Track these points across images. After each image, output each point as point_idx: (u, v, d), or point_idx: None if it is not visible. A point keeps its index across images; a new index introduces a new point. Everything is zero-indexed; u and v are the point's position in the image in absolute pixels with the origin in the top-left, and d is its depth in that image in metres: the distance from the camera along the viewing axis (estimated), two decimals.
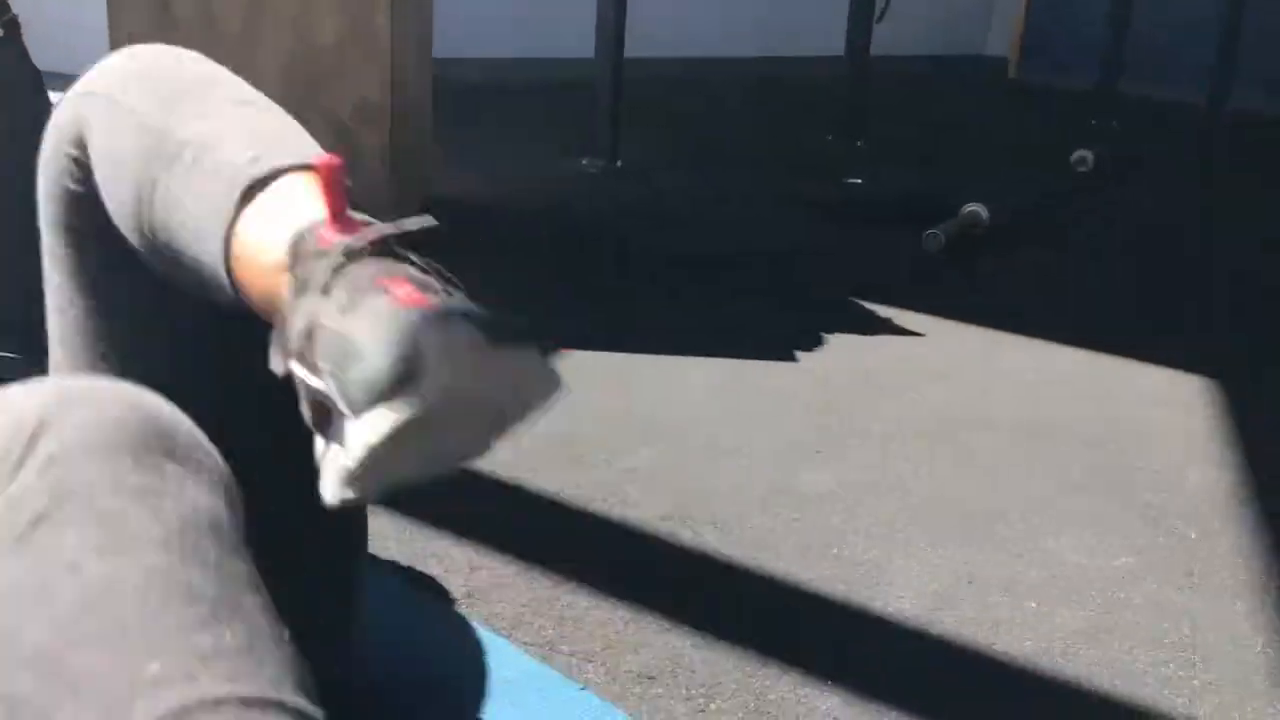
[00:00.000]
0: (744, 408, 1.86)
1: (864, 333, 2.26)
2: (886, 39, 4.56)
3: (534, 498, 1.51)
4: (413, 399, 0.58)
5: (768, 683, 1.17)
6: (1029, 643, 1.26)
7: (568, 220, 3.05)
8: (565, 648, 1.19)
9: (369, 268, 0.63)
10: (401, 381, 0.58)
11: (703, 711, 1.12)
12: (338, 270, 0.63)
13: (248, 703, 0.54)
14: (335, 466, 0.61)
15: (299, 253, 0.66)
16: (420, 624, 1.21)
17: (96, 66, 0.83)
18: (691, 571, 1.38)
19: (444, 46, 3.11)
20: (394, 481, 0.62)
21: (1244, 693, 1.20)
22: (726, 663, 1.19)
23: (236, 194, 0.70)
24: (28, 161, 0.85)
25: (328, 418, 0.63)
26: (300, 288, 0.64)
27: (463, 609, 1.24)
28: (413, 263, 0.66)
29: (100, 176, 0.79)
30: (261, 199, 0.70)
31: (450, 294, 0.64)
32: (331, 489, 0.61)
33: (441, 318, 0.60)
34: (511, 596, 1.27)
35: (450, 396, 0.59)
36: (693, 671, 1.17)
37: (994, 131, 5.18)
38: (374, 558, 1.25)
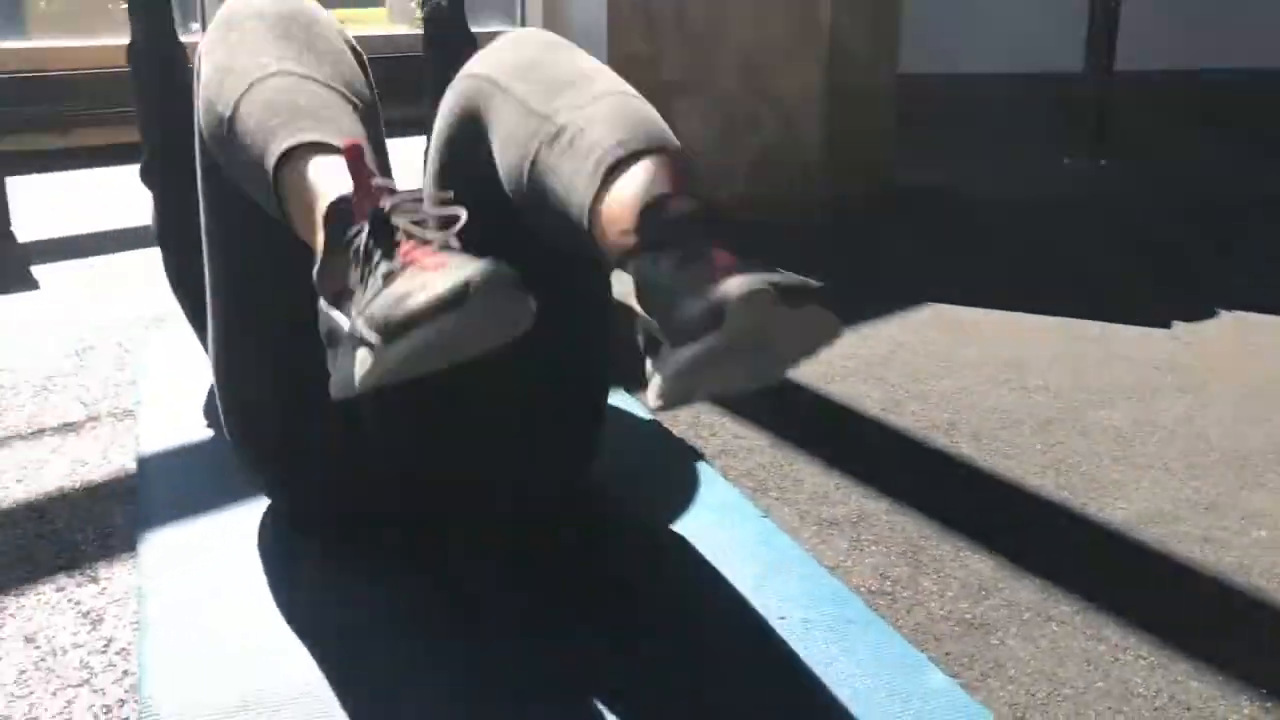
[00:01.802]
0: (1082, 362, 1.90)
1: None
2: None
3: (824, 401, 1.72)
4: (714, 338, 0.77)
5: (931, 541, 1.30)
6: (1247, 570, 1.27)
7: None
8: (774, 494, 1.41)
9: (696, 232, 0.84)
10: (707, 326, 0.77)
11: (859, 549, 1.29)
12: (675, 232, 0.84)
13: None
14: (656, 383, 0.83)
15: (646, 219, 0.86)
16: (651, 448, 1.50)
17: (480, 53, 1.14)
18: (925, 465, 1.52)
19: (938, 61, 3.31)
20: (701, 397, 0.86)
21: None
22: (906, 523, 1.34)
23: (602, 170, 0.92)
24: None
25: (656, 346, 0.85)
26: (644, 245, 0.85)
27: (709, 460, 1.50)
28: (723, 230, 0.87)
29: (493, 148, 1.06)
30: (622, 176, 0.91)
31: (754, 260, 0.81)
32: (653, 398, 0.84)
33: (745, 278, 0.77)
34: (754, 459, 1.51)
35: (745, 338, 0.77)
36: (872, 525, 1.34)
37: None
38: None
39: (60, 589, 1.17)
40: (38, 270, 2.32)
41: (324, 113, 1.01)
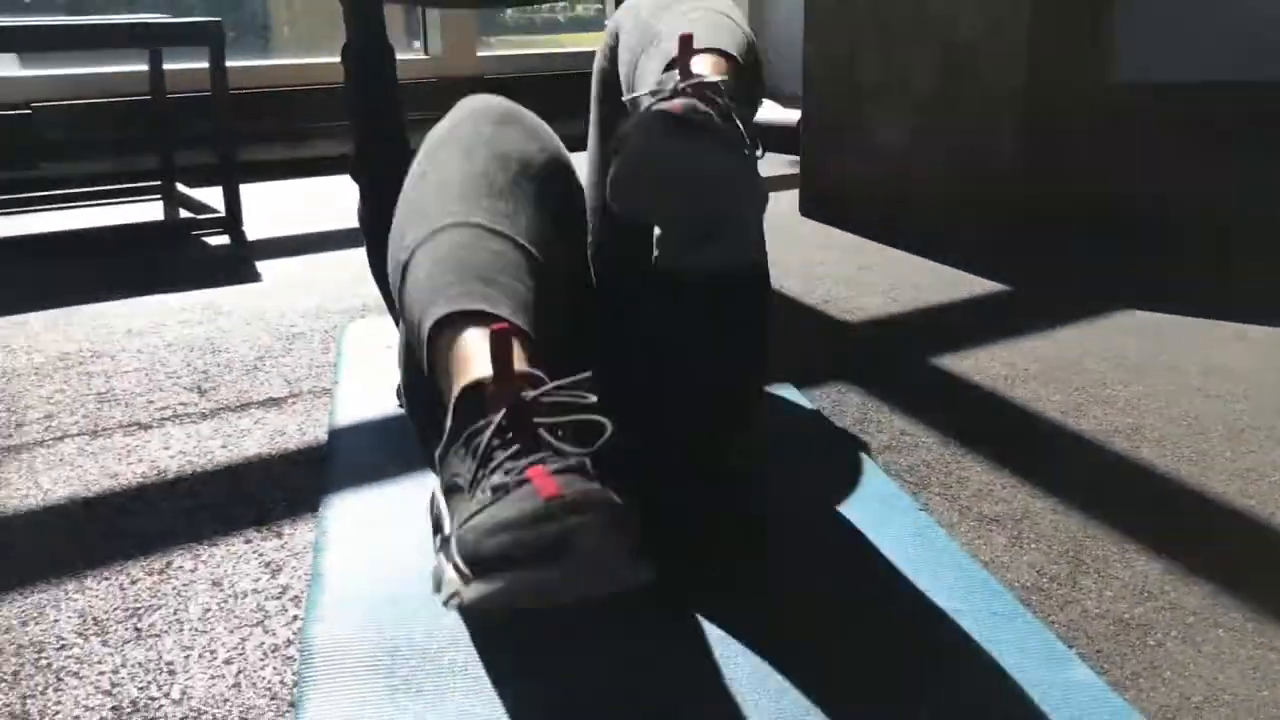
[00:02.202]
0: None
1: None
2: None
3: (1001, 402, 1.68)
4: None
5: (1096, 541, 1.26)
6: None
7: None
8: (936, 489, 1.39)
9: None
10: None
11: (1018, 546, 1.26)
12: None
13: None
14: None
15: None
16: (813, 438, 1.50)
17: None
18: (1099, 468, 1.47)
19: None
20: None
21: None
22: (1071, 523, 1.30)
23: (663, 64, 1.04)
24: None
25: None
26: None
27: (872, 454, 1.49)
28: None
29: (619, 60, 1.25)
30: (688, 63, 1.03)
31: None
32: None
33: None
34: (919, 455, 1.49)
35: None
36: (1035, 523, 1.30)
37: None
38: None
39: (248, 541, 1.27)
40: (261, 265, 2.51)
41: (497, 276, 0.95)
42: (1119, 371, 1.79)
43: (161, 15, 2.97)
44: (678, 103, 0.90)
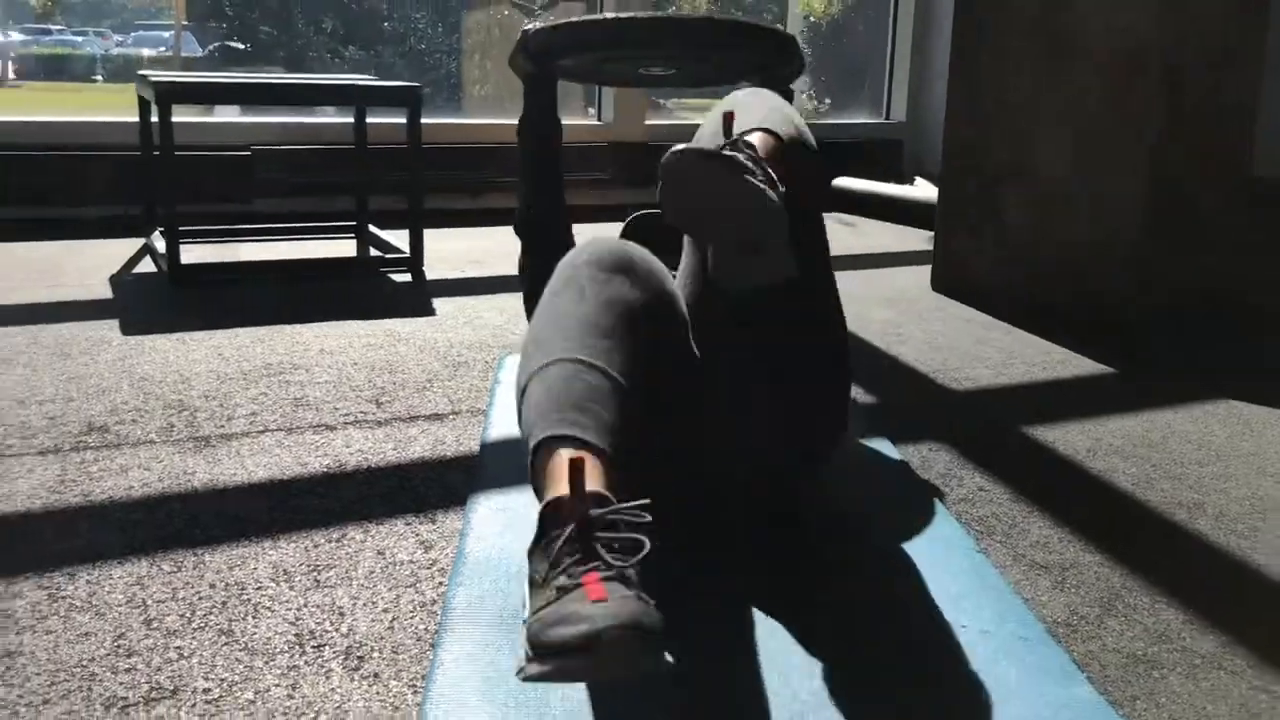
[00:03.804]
0: None
1: None
2: None
3: (1077, 471, 1.85)
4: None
5: (1132, 592, 1.42)
6: None
7: None
8: (999, 538, 1.58)
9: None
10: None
11: (1060, 589, 1.43)
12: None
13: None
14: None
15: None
16: (894, 486, 1.70)
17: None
18: (1155, 535, 1.62)
19: None
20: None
21: None
22: (1113, 575, 1.47)
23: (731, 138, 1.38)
24: None
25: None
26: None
27: (945, 503, 1.68)
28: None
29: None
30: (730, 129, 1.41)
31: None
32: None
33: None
34: (989, 508, 1.67)
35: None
36: (1080, 573, 1.48)
37: None
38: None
39: (408, 524, 1.55)
40: (436, 301, 2.83)
41: (590, 406, 1.16)
42: (1198, 453, 1.93)
43: (370, 77, 3.37)
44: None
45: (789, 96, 2.08)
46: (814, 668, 1.21)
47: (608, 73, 2.27)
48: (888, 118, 5.17)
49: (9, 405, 1.94)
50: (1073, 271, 2.86)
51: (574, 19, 2.00)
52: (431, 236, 3.47)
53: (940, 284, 3.16)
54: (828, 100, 5.57)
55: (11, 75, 5.19)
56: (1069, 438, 1.99)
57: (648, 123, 4.44)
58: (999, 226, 2.99)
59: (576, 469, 1.03)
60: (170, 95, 2.78)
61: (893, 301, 3.04)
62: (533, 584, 1.01)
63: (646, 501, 1.04)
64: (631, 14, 2.15)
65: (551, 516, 1.04)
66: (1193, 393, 2.28)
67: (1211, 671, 1.26)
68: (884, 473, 1.79)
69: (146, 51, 5.17)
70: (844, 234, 4.19)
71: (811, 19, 5.75)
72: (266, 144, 3.81)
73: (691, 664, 1.19)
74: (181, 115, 3.13)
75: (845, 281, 3.20)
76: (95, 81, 5.08)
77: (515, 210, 2.09)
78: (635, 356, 1.26)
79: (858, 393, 2.20)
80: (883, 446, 1.88)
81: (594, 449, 1.12)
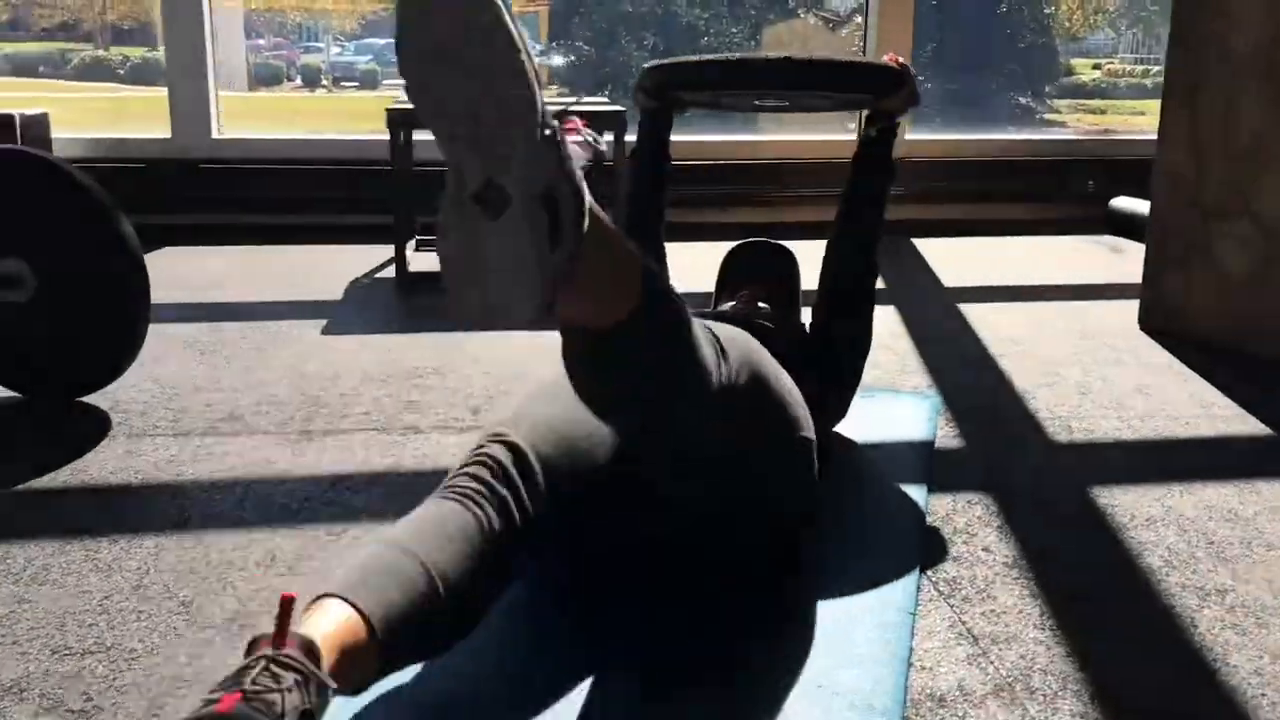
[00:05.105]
0: None
1: None
2: None
3: (1113, 541, 1.72)
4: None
5: (1042, 674, 1.35)
6: None
7: None
8: (958, 601, 1.52)
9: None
10: None
11: (970, 662, 1.38)
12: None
13: None
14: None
15: None
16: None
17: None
18: (1133, 617, 1.50)
19: None
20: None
21: None
22: (1040, 654, 1.39)
23: None
24: None
25: None
26: None
27: (932, 558, 1.64)
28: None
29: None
30: None
31: None
32: None
33: None
34: (974, 569, 1.61)
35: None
36: (1012, 645, 1.41)
37: None
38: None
39: None
40: None
41: (372, 580, 1.16)
42: (1268, 535, 1.73)
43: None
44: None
45: (894, 129, 2.07)
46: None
47: (725, 105, 2.34)
48: None
49: (186, 391, 2.33)
50: None
51: (692, 58, 2.10)
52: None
53: (1147, 323, 2.92)
54: None
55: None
56: (1138, 503, 1.84)
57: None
58: (1210, 267, 2.73)
59: (283, 610, 1.04)
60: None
61: (1085, 336, 2.86)
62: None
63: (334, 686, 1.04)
64: (744, 55, 2.20)
65: (250, 649, 1.05)
66: None
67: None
68: (892, 521, 1.76)
69: None
70: (1107, 257, 3.93)
71: None
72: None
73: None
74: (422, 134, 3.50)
75: (1050, 310, 3.03)
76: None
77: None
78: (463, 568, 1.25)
79: (949, 433, 2.13)
80: (916, 493, 1.84)
81: (361, 612, 1.12)
